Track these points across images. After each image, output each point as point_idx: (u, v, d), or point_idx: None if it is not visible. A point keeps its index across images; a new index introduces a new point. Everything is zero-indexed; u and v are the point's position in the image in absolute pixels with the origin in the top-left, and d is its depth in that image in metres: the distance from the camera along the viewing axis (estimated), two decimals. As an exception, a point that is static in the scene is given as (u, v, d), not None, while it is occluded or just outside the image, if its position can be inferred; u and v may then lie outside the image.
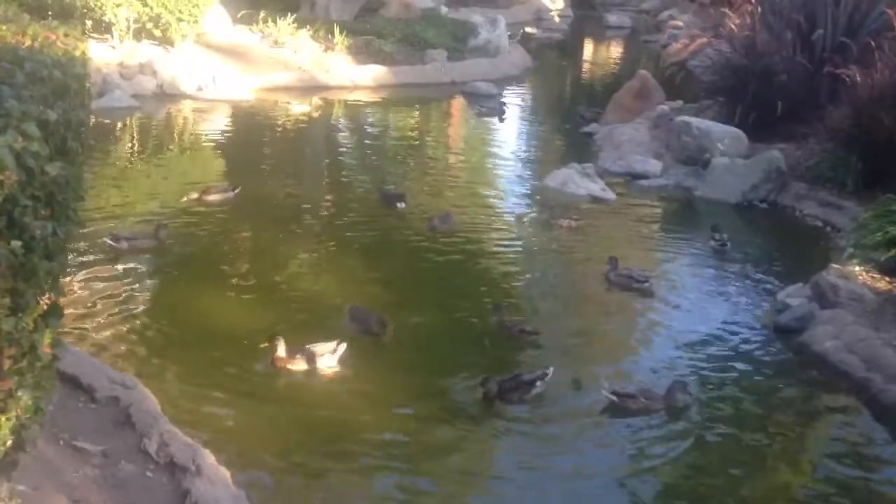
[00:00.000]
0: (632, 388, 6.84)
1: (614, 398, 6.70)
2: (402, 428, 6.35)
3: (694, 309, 8.88)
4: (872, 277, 8.82)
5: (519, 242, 10.47)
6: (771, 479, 6.11)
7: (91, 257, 8.77)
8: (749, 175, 12.43)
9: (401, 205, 10.91)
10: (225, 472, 5.18)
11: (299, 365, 6.90)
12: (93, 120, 14.00)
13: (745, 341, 8.13)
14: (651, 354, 7.88)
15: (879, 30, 13.43)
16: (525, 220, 11.28)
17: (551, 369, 6.89)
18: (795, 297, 8.67)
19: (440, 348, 7.72)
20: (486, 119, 18.00)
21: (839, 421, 7.02)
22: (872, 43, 12.48)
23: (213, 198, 10.74)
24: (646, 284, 9.08)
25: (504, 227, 10.99)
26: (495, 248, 10.16)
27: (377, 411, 6.51)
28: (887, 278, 8.80)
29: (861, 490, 6.01)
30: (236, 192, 10.89)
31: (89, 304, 7.76)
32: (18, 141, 3.15)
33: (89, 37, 16.00)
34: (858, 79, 11.78)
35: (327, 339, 7.10)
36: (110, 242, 8.89)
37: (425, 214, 10.76)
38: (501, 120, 17.83)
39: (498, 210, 11.64)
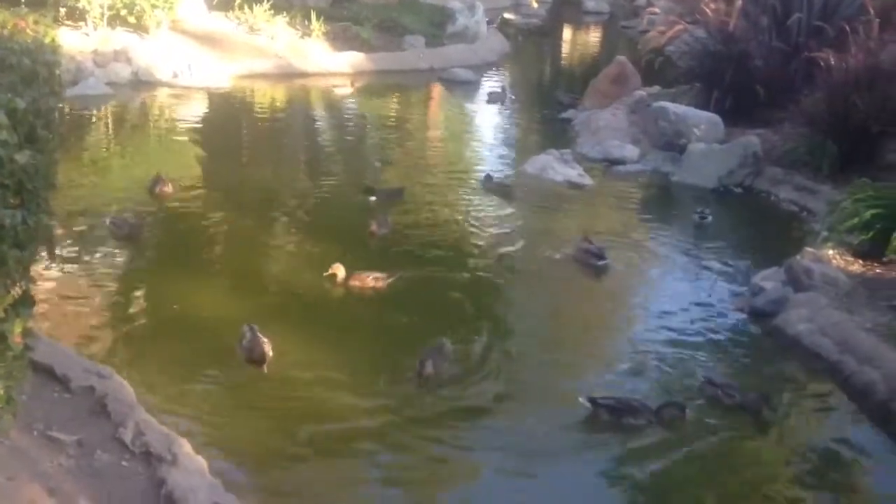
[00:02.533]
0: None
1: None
2: (381, 412, 6.36)
3: (669, 293, 8.93)
4: (846, 261, 8.89)
5: (492, 228, 10.48)
6: (742, 461, 6.16)
7: (66, 247, 8.72)
8: (725, 160, 12.50)
9: (372, 198, 10.76)
10: (201, 461, 5.17)
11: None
12: (67, 108, 13.96)
13: (720, 325, 8.18)
14: (625, 338, 7.91)
15: (854, 14, 13.50)
16: (503, 204, 11.32)
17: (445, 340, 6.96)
18: (770, 280, 8.73)
19: (409, 333, 7.73)
20: (465, 105, 18.00)
21: (812, 403, 7.08)
22: (847, 27, 12.55)
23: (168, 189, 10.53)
24: (601, 263, 9.14)
25: (479, 212, 11.01)
26: (469, 232, 10.19)
27: (354, 397, 6.52)
28: (861, 262, 8.87)
29: (833, 471, 6.07)
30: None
31: (64, 294, 7.71)
32: (-15, 129, 3.13)
33: (62, 24, 15.88)
34: (833, 63, 11.85)
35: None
36: (112, 227, 8.94)
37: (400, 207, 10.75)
38: (504, 105, 17.78)
39: (475, 199, 11.63)
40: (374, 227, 9.63)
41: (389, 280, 8.29)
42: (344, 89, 18.00)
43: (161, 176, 10.56)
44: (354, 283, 8.25)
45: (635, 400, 6.50)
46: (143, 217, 9.32)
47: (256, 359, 6.72)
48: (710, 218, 10.75)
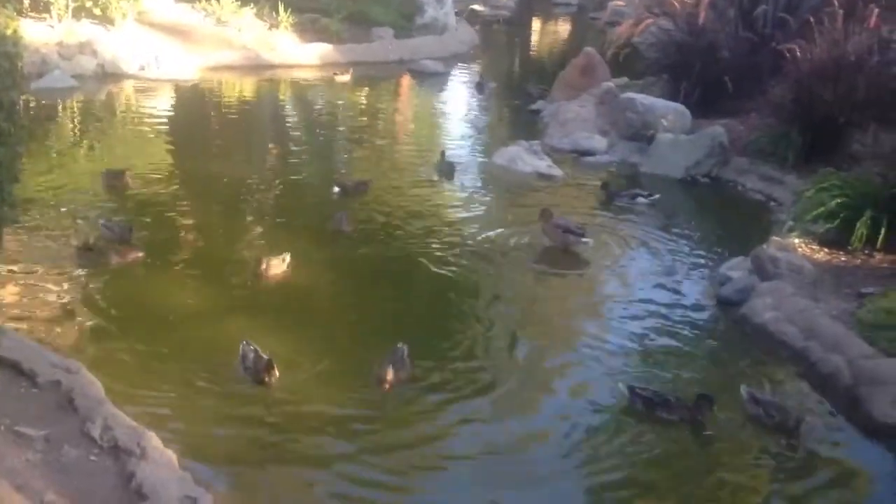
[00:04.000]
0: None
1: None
2: (351, 406, 6.36)
3: (636, 282, 8.97)
4: (811, 249, 9.00)
5: (462, 215, 10.56)
6: (709, 450, 6.22)
7: (30, 241, 8.63)
8: (692, 151, 12.60)
9: (335, 189, 10.79)
10: (171, 455, 5.16)
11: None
12: (31, 101, 13.83)
13: (688, 314, 8.24)
14: (592, 328, 7.93)
15: (819, 5, 13.60)
16: (469, 196, 11.35)
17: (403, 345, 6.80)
18: (737, 269, 8.82)
19: (380, 324, 7.74)
20: (435, 96, 18.01)
21: (778, 391, 7.15)
22: (812, 19, 12.66)
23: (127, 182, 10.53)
24: (583, 239, 9.24)
25: (448, 204, 11.03)
26: (442, 224, 10.18)
27: (330, 389, 6.51)
28: (826, 250, 8.98)
29: (797, 458, 6.14)
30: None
31: (31, 289, 7.63)
32: (-54, 122, 3.09)
33: (26, 15, 15.69)
34: (799, 54, 11.96)
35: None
36: (103, 230, 8.85)
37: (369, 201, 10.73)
38: (482, 94, 18.00)
39: (446, 189, 11.64)
40: (336, 223, 9.55)
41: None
42: (343, 77, 18.01)
43: (110, 170, 10.55)
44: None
45: (672, 395, 6.46)
46: (132, 221, 9.20)
47: (263, 380, 6.43)
48: (641, 199, 11.07)
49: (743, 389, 6.57)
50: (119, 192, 10.32)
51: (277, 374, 6.43)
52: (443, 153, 12.38)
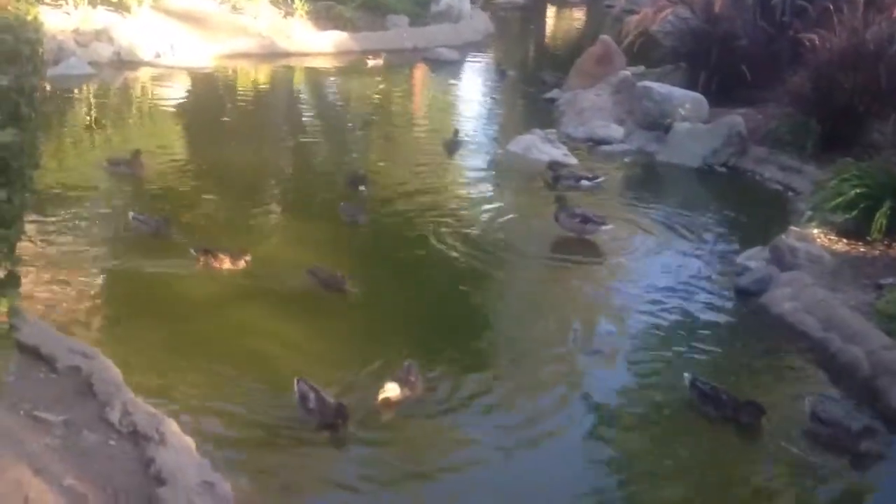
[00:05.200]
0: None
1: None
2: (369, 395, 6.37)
3: (654, 272, 8.94)
4: (830, 240, 8.94)
5: (478, 207, 10.52)
6: (729, 440, 6.20)
7: (51, 227, 8.67)
8: (710, 140, 12.52)
9: (362, 188, 10.37)
10: (189, 441, 5.16)
11: None
12: (48, 88, 13.85)
13: (706, 304, 8.20)
14: (610, 318, 7.92)
15: (838, -7, 13.51)
16: (486, 186, 11.32)
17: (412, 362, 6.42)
18: (755, 259, 8.77)
19: (400, 310, 7.74)
20: (449, 84, 17.98)
21: (797, 381, 7.12)
22: (831, 7, 12.56)
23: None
24: (603, 227, 9.21)
25: (465, 193, 10.99)
26: (455, 214, 10.15)
27: (345, 372, 6.52)
28: (845, 240, 8.93)
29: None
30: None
31: (50, 275, 7.66)
32: (-31, 107, 3.09)
33: (43, 3, 15.69)
34: (818, 43, 11.87)
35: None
36: (136, 223, 8.67)
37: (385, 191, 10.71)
38: (502, 81, 18.21)
39: (460, 178, 11.62)
40: (351, 216, 9.41)
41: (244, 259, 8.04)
42: (376, 61, 18.17)
43: (115, 158, 10.53)
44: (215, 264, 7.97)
45: (726, 393, 6.29)
46: (167, 214, 9.00)
47: (334, 426, 5.82)
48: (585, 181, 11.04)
49: (806, 404, 6.24)
50: (137, 177, 10.29)
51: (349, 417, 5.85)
52: (456, 131, 12.89)
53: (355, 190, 10.32)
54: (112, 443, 5.01)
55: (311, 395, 5.94)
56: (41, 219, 8.68)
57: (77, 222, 8.97)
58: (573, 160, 12.32)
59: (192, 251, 8.04)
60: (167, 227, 8.59)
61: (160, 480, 4.66)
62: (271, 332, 7.01)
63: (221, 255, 7.96)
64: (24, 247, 7.00)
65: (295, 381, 6.04)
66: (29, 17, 5.29)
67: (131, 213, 8.78)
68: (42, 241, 8.32)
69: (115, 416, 5.18)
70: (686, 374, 6.48)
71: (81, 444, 4.96)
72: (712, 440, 6.16)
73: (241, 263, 8.00)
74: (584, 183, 11.18)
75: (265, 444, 5.72)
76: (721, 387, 6.35)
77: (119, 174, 10.32)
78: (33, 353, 5.71)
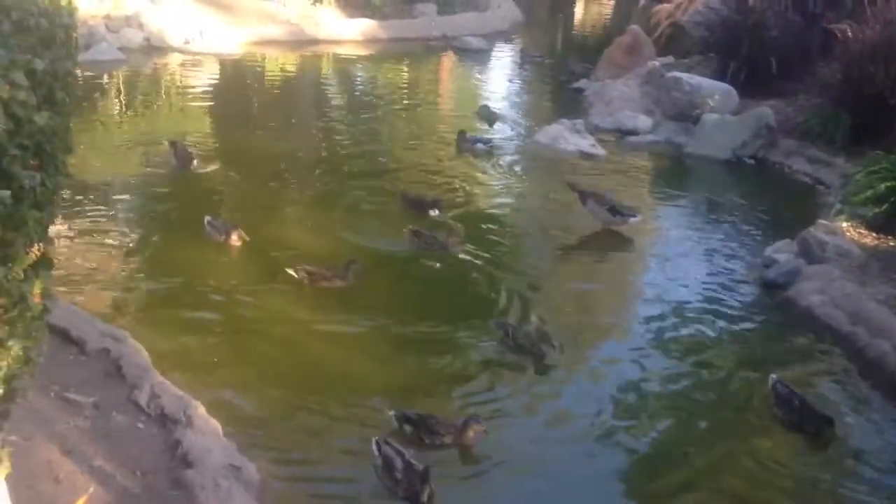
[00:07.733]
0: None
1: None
2: (394, 368, 6.43)
3: (682, 263, 8.90)
4: (859, 233, 8.87)
5: (508, 200, 10.50)
6: (756, 432, 6.17)
7: (79, 212, 8.76)
8: (739, 131, 12.42)
9: (434, 212, 9.38)
10: (216, 424, 5.21)
11: None
12: (79, 73, 13.94)
13: (733, 296, 8.17)
14: (638, 309, 7.92)
15: (872, -15, 13.35)
16: (518, 176, 11.30)
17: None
18: (783, 252, 8.72)
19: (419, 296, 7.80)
20: (477, 73, 17.96)
21: (825, 375, 7.07)
22: (864, -2, 12.42)
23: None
24: (632, 218, 9.20)
25: (494, 183, 10.99)
26: (489, 206, 10.17)
27: (372, 354, 6.58)
28: (874, 234, 8.85)
29: (844, 441, 6.08)
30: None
31: (81, 259, 7.75)
32: (6, 90, 3.12)
33: (74, -12, 15.81)
34: (850, 34, 11.73)
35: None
36: (209, 229, 8.43)
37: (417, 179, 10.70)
38: (536, 66, 18.57)
39: (486, 168, 11.59)
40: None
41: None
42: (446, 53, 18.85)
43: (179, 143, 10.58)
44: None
45: (800, 398, 6.17)
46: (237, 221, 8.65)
47: (419, 497, 4.94)
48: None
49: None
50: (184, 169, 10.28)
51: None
52: (486, 106, 13.86)
53: (424, 214, 9.38)
54: (140, 425, 5.09)
55: (398, 462, 5.08)
56: (72, 203, 8.77)
57: (107, 209, 9.05)
58: (601, 151, 12.26)
59: (292, 273, 7.62)
60: (239, 234, 8.29)
61: (187, 463, 4.72)
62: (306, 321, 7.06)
63: (327, 273, 7.65)
64: (55, 230, 7.13)
65: (374, 443, 5.24)
66: (63, 2, 5.33)
67: (206, 218, 8.51)
68: (73, 226, 8.40)
69: (143, 398, 5.26)
70: (772, 375, 6.39)
71: (110, 425, 5.04)
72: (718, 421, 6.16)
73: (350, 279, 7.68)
74: (479, 146, 11.93)
75: (293, 428, 5.76)
76: (801, 393, 6.25)
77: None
78: (63, 336, 5.79)
